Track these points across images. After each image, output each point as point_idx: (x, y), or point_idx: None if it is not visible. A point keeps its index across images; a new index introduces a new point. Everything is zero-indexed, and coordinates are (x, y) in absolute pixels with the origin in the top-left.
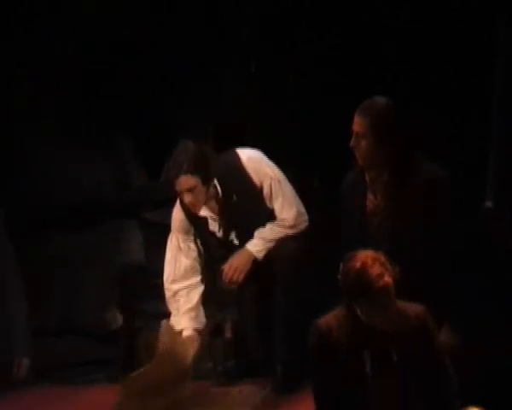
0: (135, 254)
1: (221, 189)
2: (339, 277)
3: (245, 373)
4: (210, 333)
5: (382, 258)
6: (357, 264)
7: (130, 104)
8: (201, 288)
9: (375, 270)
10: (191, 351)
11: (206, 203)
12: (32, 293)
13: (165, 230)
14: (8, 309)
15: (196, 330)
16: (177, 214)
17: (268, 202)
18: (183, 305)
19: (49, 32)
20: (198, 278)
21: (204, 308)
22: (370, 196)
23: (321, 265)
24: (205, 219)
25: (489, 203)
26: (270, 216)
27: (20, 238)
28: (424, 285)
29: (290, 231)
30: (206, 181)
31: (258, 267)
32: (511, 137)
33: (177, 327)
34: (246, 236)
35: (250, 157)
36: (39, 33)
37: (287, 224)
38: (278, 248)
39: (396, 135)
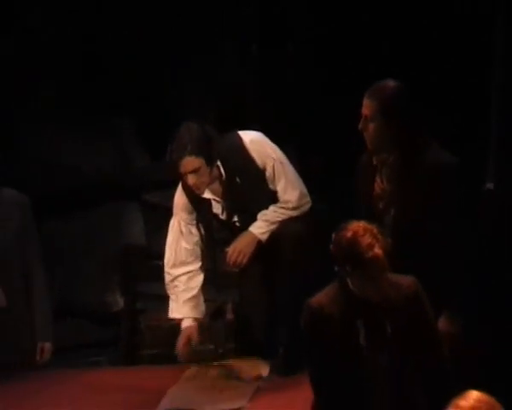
0: (136, 236)
1: (224, 170)
2: (331, 246)
3: (246, 355)
4: (211, 315)
5: (374, 229)
6: (349, 233)
7: (130, 86)
8: (202, 275)
9: (366, 240)
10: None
11: (209, 185)
12: None
13: (167, 212)
14: (30, 296)
15: (196, 320)
16: (180, 198)
17: (271, 184)
18: (184, 293)
19: (49, 12)
20: (198, 265)
21: (204, 291)
22: (378, 180)
23: (324, 246)
24: (208, 202)
25: (490, 185)
26: (272, 198)
27: None
28: (425, 272)
29: (293, 213)
30: (210, 162)
31: (261, 249)
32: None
33: (177, 315)
34: (248, 218)
35: (253, 139)
36: (39, 14)
37: (290, 205)
38: (281, 230)
39: (404, 119)
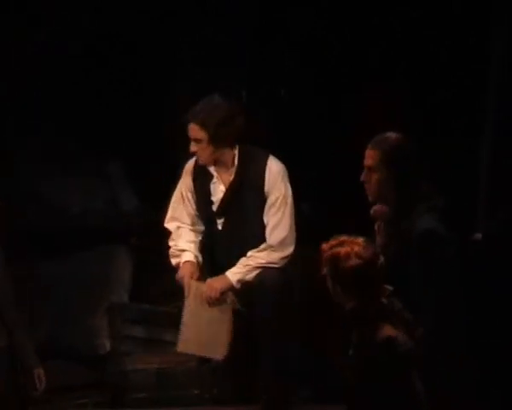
0: (125, 280)
1: (237, 171)
2: None
3: (232, 400)
4: (198, 360)
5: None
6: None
7: (121, 128)
8: (199, 237)
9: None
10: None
11: (212, 163)
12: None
13: (156, 255)
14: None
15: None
16: (190, 163)
17: (265, 215)
18: (185, 234)
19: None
20: (195, 225)
21: None
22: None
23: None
24: (211, 175)
25: (478, 235)
26: (258, 232)
27: (9, 264)
28: None
29: (273, 256)
30: (215, 142)
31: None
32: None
33: (178, 247)
34: (230, 227)
35: (276, 165)
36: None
37: (271, 249)
38: (260, 279)
39: (405, 171)
